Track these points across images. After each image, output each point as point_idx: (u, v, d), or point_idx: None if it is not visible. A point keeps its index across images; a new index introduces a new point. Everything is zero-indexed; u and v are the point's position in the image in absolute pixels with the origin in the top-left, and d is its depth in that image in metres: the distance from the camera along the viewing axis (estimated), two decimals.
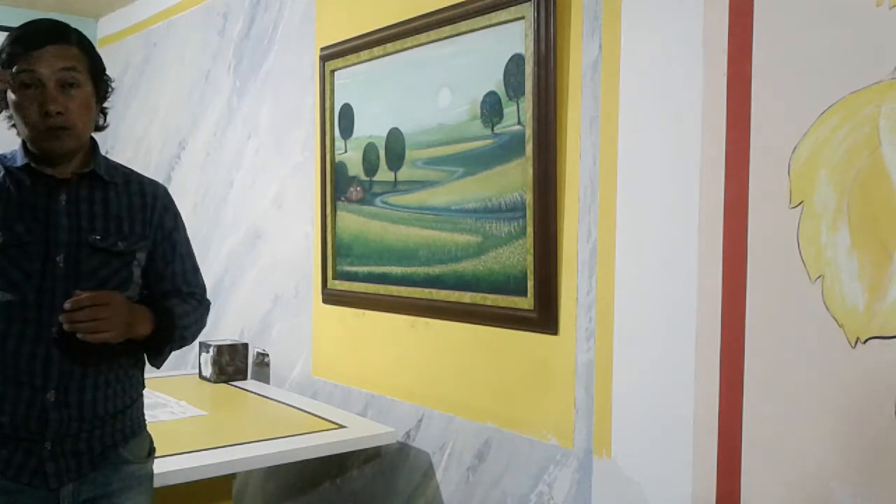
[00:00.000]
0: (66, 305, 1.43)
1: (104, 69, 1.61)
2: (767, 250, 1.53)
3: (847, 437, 1.42)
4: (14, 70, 1.48)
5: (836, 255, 1.43)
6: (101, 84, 1.60)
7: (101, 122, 1.64)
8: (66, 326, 1.44)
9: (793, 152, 1.49)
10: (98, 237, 1.55)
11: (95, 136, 1.64)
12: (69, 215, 1.54)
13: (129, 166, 1.72)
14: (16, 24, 1.57)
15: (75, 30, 1.57)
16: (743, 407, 1.56)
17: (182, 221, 1.74)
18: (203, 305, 1.74)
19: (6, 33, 1.55)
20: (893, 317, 1.36)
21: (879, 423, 1.38)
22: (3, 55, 1.50)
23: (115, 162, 1.68)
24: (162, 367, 1.71)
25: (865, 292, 1.39)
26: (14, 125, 1.57)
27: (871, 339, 1.39)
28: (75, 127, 1.52)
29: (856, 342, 1.41)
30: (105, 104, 1.63)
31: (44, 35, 1.51)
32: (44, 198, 1.53)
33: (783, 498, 1.51)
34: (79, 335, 1.44)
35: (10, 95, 1.51)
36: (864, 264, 1.40)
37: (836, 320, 1.43)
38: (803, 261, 1.47)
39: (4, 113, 1.57)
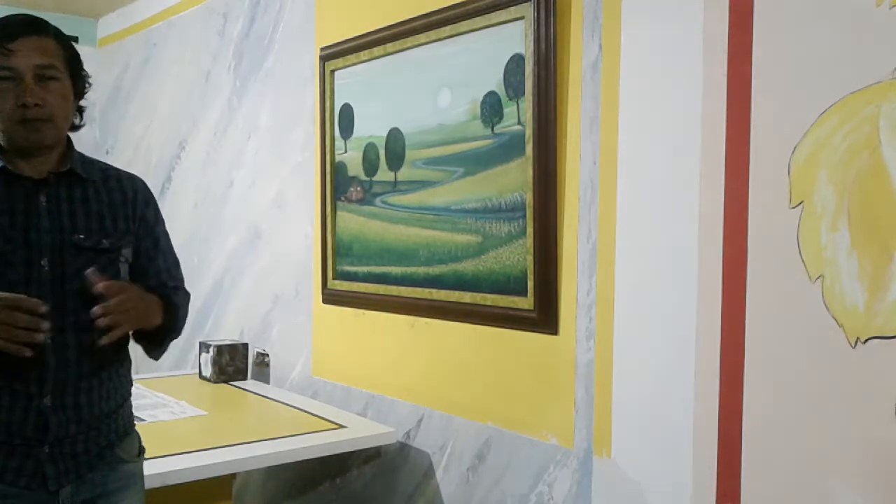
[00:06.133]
0: (96, 311, 1.42)
1: (82, 64, 1.56)
2: (767, 250, 1.52)
3: (847, 437, 1.42)
4: None
5: (836, 255, 1.43)
6: (78, 79, 1.55)
7: (77, 120, 1.58)
8: (101, 322, 1.42)
9: (793, 152, 1.49)
10: (82, 236, 1.52)
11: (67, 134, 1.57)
12: (51, 216, 1.50)
13: (130, 166, 1.70)
14: None
15: (52, 24, 1.52)
16: (743, 407, 1.56)
17: (161, 215, 1.72)
18: (188, 297, 1.74)
19: None
20: (893, 317, 1.36)
21: (879, 423, 1.38)
22: None
23: (90, 158, 1.64)
24: (161, 366, 1.71)
25: (865, 292, 1.39)
26: None
27: (871, 339, 1.39)
28: (54, 118, 1.48)
29: (856, 342, 1.41)
30: (82, 102, 1.58)
31: (20, 27, 1.47)
32: (22, 201, 1.49)
33: (783, 498, 1.51)
34: (102, 328, 1.43)
35: None
36: (864, 264, 1.40)
37: (836, 320, 1.43)
38: (803, 261, 1.47)
39: None
